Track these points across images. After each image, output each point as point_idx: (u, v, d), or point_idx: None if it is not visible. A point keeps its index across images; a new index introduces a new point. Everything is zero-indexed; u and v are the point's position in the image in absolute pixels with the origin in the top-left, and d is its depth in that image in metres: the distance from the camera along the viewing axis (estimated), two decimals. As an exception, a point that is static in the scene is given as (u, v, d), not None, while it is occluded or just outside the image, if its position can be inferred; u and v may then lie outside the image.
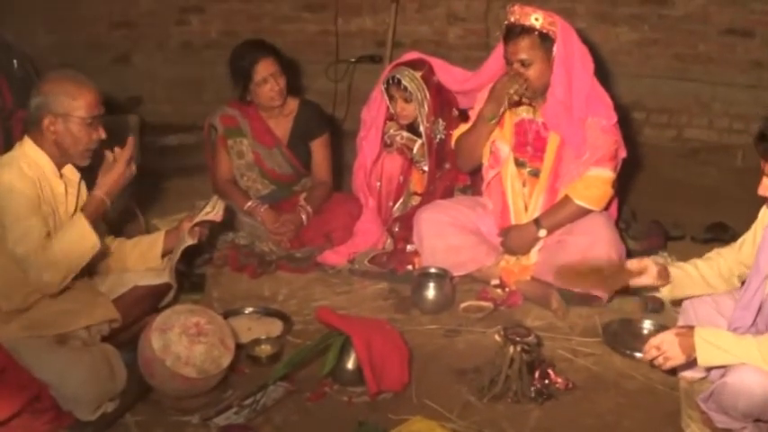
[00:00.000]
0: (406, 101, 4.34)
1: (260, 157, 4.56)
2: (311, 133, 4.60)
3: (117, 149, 3.33)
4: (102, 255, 3.48)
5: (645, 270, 3.20)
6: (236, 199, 4.46)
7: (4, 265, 3.11)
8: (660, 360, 2.81)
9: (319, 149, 4.63)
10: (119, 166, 3.29)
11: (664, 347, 2.78)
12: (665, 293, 3.24)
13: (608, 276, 3.33)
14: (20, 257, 3.07)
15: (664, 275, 3.17)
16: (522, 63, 3.82)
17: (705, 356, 2.71)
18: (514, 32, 3.81)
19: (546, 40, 3.81)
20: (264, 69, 4.39)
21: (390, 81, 4.36)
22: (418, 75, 4.32)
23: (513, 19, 3.83)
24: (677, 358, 2.76)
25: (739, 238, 3.18)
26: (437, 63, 4.44)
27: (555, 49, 3.82)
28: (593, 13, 5.87)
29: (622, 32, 5.91)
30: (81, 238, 3.16)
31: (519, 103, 3.96)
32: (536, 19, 3.79)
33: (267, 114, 4.54)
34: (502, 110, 3.93)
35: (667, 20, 5.80)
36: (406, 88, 4.31)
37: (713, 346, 2.69)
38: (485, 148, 4.08)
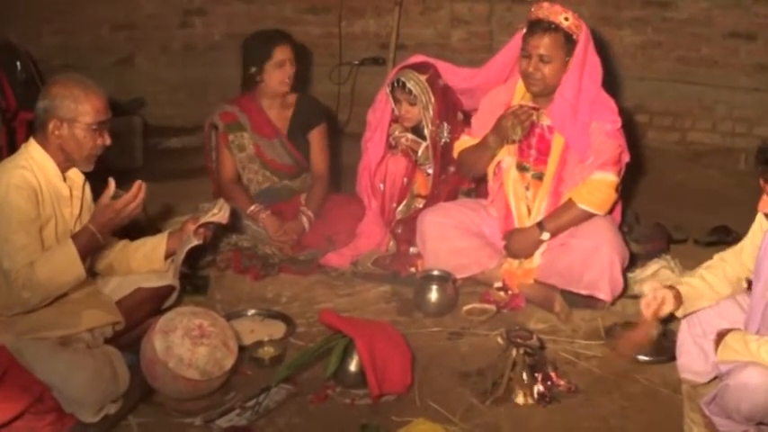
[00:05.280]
0: (411, 104, 4.34)
1: (261, 148, 4.56)
2: (309, 124, 4.63)
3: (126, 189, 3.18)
4: (104, 256, 3.50)
5: (664, 301, 3.17)
6: (239, 201, 4.45)
7: None
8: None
9: (317, 139, 4.65)
10: (116, 207, 3.15)
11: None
12: (678, 313, 3.23)
13: (650, 331, 3.31)
14: (5, 271, 3.04)
15: (678, 297, 3.16)
16: (542, 58, 3.82)
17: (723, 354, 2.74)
18: (540, 27, 3.81)
19: (569, 41, 3.81)
20: (283, 53, 4.45)
21: (395, 84, 4.36)
22: (423, 78, 4.32)
23: (541, 15, 3.83)
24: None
25: (739, 243, 3.17)
26: (442, 66, 4.43)
27: (575, 52, 3.83)
28: (596, 15, 5.86)
29: (626, 35, 5.91)
30: (66, 267, 3.11)
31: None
32: (565, 18, 3.80)
33: (268, 104, 4.56)
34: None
35: (671, 23, 5.79)
36: (410, 91, 4.30)
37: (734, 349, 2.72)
38: (489, 166, 4.11)
